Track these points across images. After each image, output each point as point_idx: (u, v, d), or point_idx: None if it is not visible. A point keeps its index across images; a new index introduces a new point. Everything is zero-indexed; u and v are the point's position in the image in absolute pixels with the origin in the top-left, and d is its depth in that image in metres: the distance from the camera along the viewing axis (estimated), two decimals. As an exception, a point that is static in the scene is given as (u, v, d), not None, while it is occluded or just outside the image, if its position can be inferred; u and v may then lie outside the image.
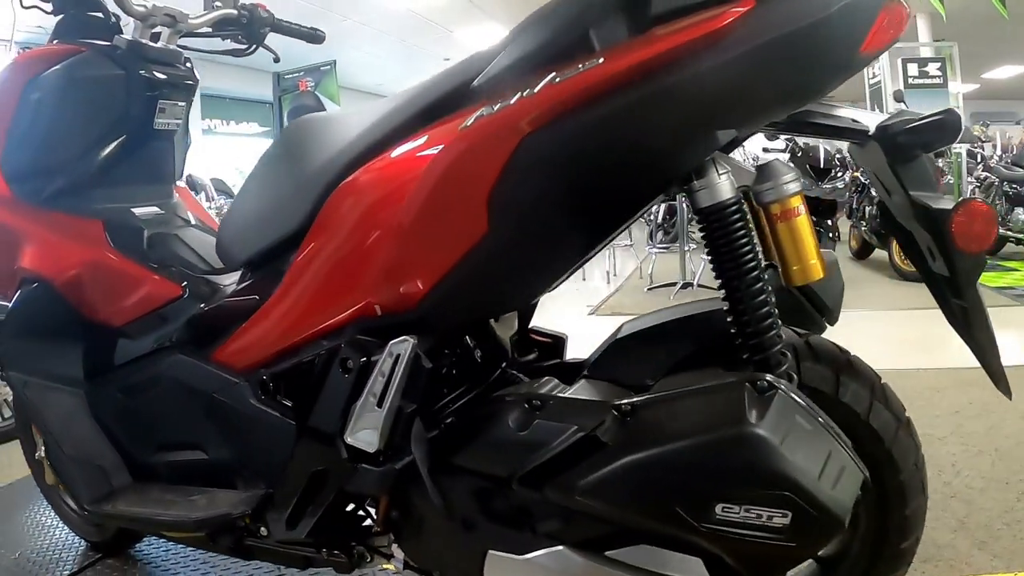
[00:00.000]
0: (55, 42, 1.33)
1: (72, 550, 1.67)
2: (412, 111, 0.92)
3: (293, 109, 7.38)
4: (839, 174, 4.77)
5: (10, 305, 1.31)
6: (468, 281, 0.88)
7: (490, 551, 0.92)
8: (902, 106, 5.27)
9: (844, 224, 6.28)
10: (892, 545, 1.00)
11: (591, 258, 1.00)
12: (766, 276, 0.87)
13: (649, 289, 5.45)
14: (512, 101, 0.80)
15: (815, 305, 1.14)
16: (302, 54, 8.37)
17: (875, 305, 4.30)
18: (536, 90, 0.79)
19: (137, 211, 1.40)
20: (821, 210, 4.80)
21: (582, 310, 4.87)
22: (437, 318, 0.92)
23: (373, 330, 0.94)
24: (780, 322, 0.88)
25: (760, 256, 0.87)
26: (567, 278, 0.98)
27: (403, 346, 0.88)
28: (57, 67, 1.27)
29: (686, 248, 5.53)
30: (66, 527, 1.70)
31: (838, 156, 4.84)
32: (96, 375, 1.32)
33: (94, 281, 1.28)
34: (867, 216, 5.37)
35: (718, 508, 0.75)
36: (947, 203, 0.83)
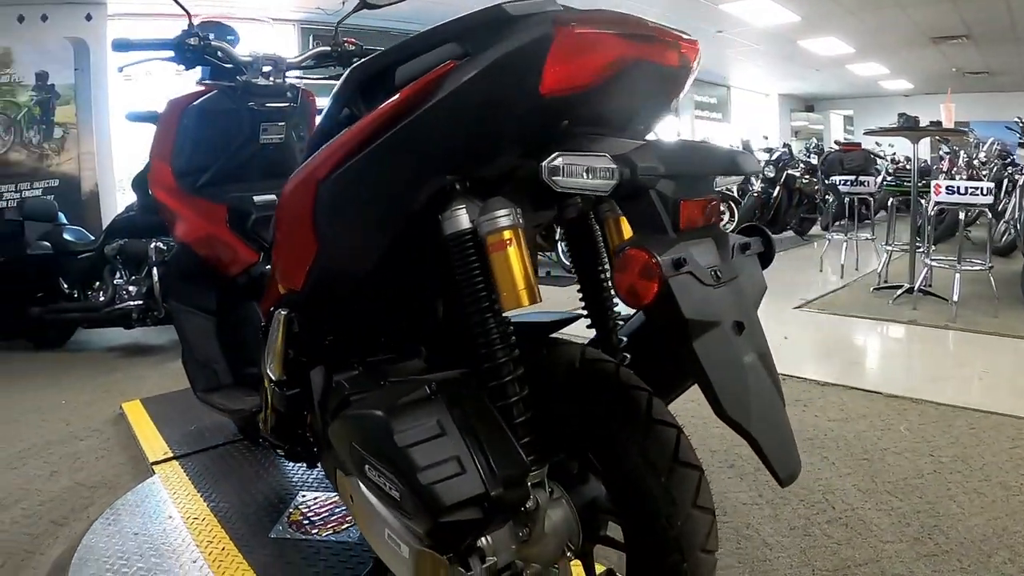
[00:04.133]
0: (204, 83, 1.94)
1: (225, 429, 2.39)
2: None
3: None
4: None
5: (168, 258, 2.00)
6: (321, 279, 1.19)
7: (338, 469, 1.26)
8: None
9: None
10: None
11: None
12: (495, 298, 0.97)
13: (875, 289, 5.00)
14: (308, 161, 1.13)
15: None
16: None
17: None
18: (319, 153, 1.09)
19: (257, 198, 1.98)
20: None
21: (793, 302, 4.67)
22: (313, 302, 1.25)
23: (288, 303, 1.32)
24: (512, 340, 0.99)
25: (489, 281, 0.96)
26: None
27: (280, 315, 1.27)
28: (196, 103, 1.90)
29: (919, 247, 4.92)
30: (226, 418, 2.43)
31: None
32: (221, 307, 1.96)
33: (213, 246, 1.90)
34: None
35: (367, 467, 0.97)
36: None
